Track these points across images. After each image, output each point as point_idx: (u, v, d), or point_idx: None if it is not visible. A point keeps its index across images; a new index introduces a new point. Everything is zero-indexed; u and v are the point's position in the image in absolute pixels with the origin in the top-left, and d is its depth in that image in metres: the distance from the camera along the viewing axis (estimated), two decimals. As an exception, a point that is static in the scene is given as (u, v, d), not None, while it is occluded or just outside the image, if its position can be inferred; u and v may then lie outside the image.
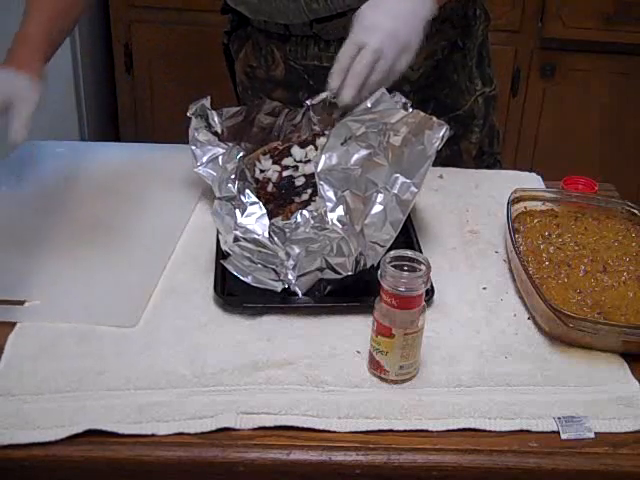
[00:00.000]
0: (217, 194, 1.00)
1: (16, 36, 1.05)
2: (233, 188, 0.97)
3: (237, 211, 0.94)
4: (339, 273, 0.92)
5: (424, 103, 1.23)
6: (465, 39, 1.31)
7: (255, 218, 0.94)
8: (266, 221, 0.94)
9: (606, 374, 0.86)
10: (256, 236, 0.92)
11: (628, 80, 2.32)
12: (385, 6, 1.03)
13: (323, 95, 1.15)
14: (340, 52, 1.03)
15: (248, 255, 0.93)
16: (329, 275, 0.93)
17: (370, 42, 1.00)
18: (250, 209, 0.95)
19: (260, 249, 0.93)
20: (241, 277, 0.93)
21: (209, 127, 1.13)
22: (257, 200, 0.96)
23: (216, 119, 1.13)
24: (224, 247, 0.95)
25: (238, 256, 0.93)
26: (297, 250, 0.93)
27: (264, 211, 0.95)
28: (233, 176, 0.99)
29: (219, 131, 1.13)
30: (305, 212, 0.94)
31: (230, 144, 1.10)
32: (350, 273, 0.92)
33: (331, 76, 1.04)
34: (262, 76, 1.33)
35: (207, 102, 1.14)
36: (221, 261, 0.95)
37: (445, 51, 1.28)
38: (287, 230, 0.93)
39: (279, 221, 0.97)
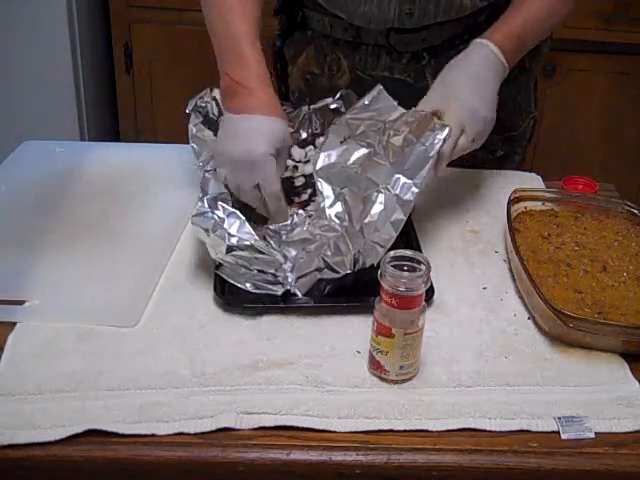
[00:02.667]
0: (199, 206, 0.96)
1: (238, 57, 0.99)
2: (204, 205, 0.94)
3: (223, 223, 0.91)
4: (338, 272, 0.92)
5: None
6: (532, 61, 1.28)
7: (237, 227, 0.91)
8: (249, 227, 0.91)
9: (606, 374, 0.86)
10: (250, 243, 0.91)
11: (628, 80, 2.32)
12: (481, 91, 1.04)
13: (327, 100, 1.15)
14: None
15: (243, 263, 0.91)
16: (328, 274, 0.92)
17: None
18: (230, 220, 0.92)
19: (256, 255, 0.91)
20: (239, 285, 0.92)
21: (208, 122, 1.12)
22: (233, 209, 0.93)
23: (216, 112, 1.12)
24: (215, 257, 0.92)
25: (233, 265, 0.92)
26: (294, 252, 0.93)
27: (243, 218, 0.92)
28: (201, 194, 0.96)
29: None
30: (301, 212, 0.94)
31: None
32: (349, 271, 0.92)
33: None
34: (323, 84, 1.26)
35: (207, 95, 1.12)
36: (215, 271, 0.93)
37: (515, 71, 1.17)
38: (283, 232, 0.93)
39: (273, 224, 0.96)
